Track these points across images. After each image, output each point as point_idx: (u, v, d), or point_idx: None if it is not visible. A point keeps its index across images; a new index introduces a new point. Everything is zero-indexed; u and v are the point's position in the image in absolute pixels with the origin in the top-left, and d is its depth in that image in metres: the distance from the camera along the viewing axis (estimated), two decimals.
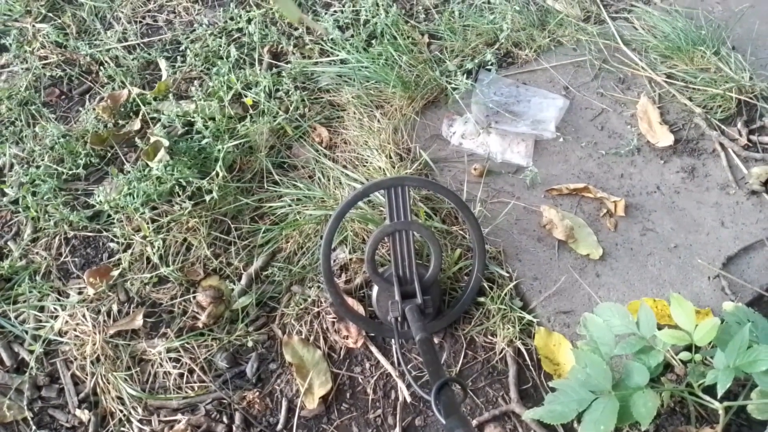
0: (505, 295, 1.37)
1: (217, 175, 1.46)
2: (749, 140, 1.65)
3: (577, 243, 1.47)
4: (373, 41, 1.77)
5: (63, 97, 1.74)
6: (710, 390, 1.09)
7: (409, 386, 1.30)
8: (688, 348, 1.16)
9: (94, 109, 1.65)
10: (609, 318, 1.22)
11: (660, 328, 1.17)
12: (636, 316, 1.20)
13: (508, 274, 1.41)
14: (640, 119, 1.68)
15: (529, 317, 1.35)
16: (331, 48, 1.77)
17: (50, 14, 1.90)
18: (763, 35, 1.85)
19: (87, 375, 1.30)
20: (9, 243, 1.47)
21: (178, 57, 1.80)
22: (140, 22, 1.91)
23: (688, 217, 1.53)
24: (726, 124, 1.68)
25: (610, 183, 1.58)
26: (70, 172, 1.53)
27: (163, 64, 1.73)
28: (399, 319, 1.25)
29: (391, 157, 1.55)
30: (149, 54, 1.80)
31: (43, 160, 1.54)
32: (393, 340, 1.34)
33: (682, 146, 1.65)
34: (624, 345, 1.16)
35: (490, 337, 1.36)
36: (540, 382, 1.32)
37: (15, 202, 1.52)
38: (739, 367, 1.06)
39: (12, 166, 1.56)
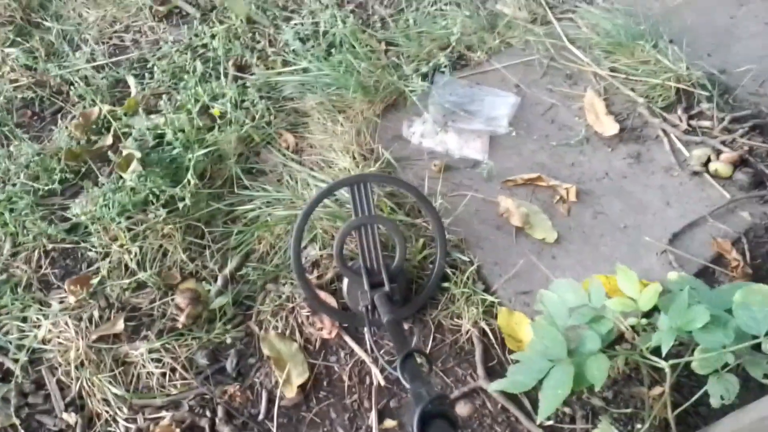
0: (468, 279, 1.45)
1: (189, 182, 1.52)
2: (689, 125, 1.77)
3: (533, 228, 1.57)
4: (333, 50, 1.86)
5: (35, 117, 1.80)
6: (659, 352, 1.18)
7: (382, 370, 1.38)
8: (636, 315, 1.26)
9: (66, 127, 1.70)
10: (563, 293, 1.32)
11: (611, 299, 1.27)
12: (587, 290, 1.30)
13: (470, 260, 1.50)
14: (587, 111, 1.79)
15: (491, 299, 1.44)
16: (293, 59, 1.85)
17: (18, 39, 1.95)
18: (697, 27, 1.98)
19: (72, 380, 1.35)
20: None
21: (146, 74, 1.87)
22: (107, 42, 1.97)
23: (636, 200, 1.63)
24: (667, 111, 1.79)
25: (562, 172, 1.68)
26: (46, 188, 1.58)
27: (131, 81, 1.80)
28: (369, 307, 1.33)
29: (355, 158, 1.63)
30: (117, 72, 1.86)
31: (18, 178, 1.59)
32: (365, 328, 1.41)
33: (628, 134, 1.76)
34: (577, 316, 1.25)
35: (456, 319, 1.44)
36: (505, 358, 1.40)
37: None
38: (680, 327, 1.15)
39: None
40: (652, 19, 1.97)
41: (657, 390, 1.29)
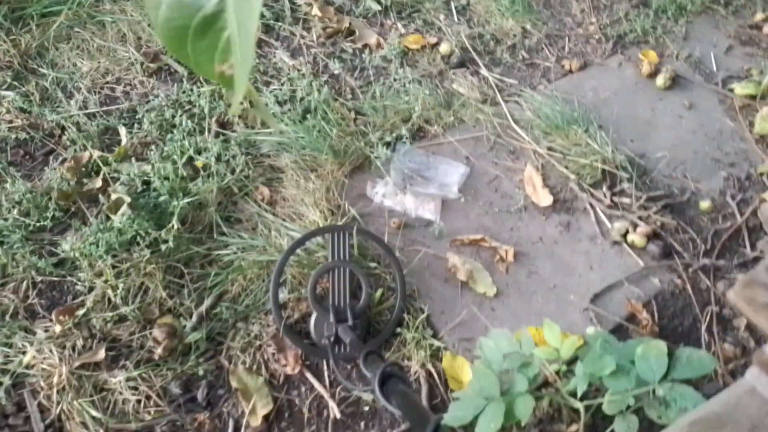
0: (419, 325, 1.66)
1: (173, 227, 1.69)
2: (612, 201, 2.03)
3: (476, 283, 1.79)
4: (308, 115, 2.08)
5: (27, 157, 1.93)
6: (577, 395, 1.40)
7: (339, 404, 1.55)
8: (558, 361, 1.48)
9: (58, 168, 1.85)
10: (499, 341, 1.53)
11: (538, 347, 1.50)
12: (519, 340, 1.52)
13: (421, 308, 1.70)
14: (526, 183, 2.05)
15: (438, 344, 1.64)
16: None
17: (15, 83, 2.10)
18: (623, 117, 2.29)
19: (52, 403, 1.46)
20: None
21: (135, 124, 2.03)
22: (99, 92, 2.13)
23: (564, 263, 1.88)
24: (594, 188, 2.06)
25: (503, 235, 1.93)
26: (37, 224, 1.71)
27: (122, 130, 1.96)
28: (332, 338, 1.52)
29: (324, 212, 1.83)
30: (108, 121, 2.02)
31: (11, 213, 1.71)
32: (327, 359, 1.58)
33: (560, 205, 2.02)
34: (509, 361, 1.47)
35: (407, 361, 1.62)
36: (447, 397, 1.59)
37: None
38: (593, 373, 1.38)
39: None
40: (585, 107, 2.28)
41: (574, 427, 1.51)
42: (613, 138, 2.16)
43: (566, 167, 2.09)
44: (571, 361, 1.49)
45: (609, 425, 1.42)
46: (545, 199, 2.00)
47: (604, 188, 2.06)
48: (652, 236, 1.93)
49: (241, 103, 1.87)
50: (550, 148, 2.14)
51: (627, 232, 1.94)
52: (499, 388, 1.40)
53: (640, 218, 1.97)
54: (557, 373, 1.52)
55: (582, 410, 1.40)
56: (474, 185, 2.04)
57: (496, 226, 1.95)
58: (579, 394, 1.37)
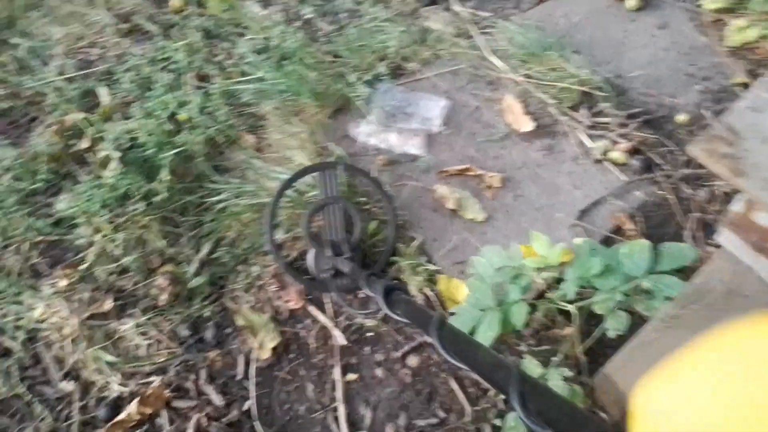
0: (413, 253, 1.71)
1: (163, 179, 1.72)
2: (592, 122, 2.08)
3: (464, 211, 1.84)
4: (285, 61, 2.09)
5: (12, 125, 1.94)
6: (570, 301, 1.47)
7: (342, 331, 1.61)
8: (548, 270, 1.55)
9: (43, 133, 1.86)
10: (490, 257, 1.59)
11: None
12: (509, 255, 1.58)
13: (413, 237, 1.76)
14: (506, 112, 2.09)
15: (433, 268, 1.70)
16: (250, 70, 2.08)
17: None
18: (597, 39, 2.32)
19: (67, 353, 1.52)
20: None
21: (115, 84, 2.04)
22: (75, 57, 2.13)
23: (549, 184, 1.93)
24: (573, 110, 2.09)
25: (488, 163, 1.97)
26: (30, 188, 1.74)
27: (103, 91, 1.97)
28: (332, 272, 1.57)
29: (310, 155, 1.87)
30: (87, 83, 2.03)
31: (3, 179, 1.74)
32: (328, 291, 1.64)
33: (541, 130, 2.06)
34: (501, 273, 1.53)
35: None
36: (446, 317, 1.66)
37: None
38: (581, 276, 1.45)
39: None
40: (559, 33, 2.30)
41: (567, 330, 1.58)
42: (588, 61, 2.20)
43: (545, 93, 2.12)
44: (561, 271, 1.56)
45: (601, 324, 1.50)
46: (526, 125, 2.04)
47: (583, 110, 2.09)
48: (633, 152, 1.98)
49: None
50: (527, 76, 2.17)
51: (608, 150, 1.99)
52: (493, 298, 1.47)
53: (620, 136, 2.02)
54: (548, 282, 1.58)
55: (575, 312, 1.47)
56: (456, 118, 2.07)
57: (481, 155, 1.99)
58: (570, 297, 1.43)
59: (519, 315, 1.43)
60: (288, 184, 1.63)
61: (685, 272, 1.42)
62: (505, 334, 1.49)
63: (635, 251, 1.44)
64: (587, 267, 1.43)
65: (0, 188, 1.71)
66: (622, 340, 1.44)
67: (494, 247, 1.60)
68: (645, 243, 1.44)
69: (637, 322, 1.48)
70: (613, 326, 1.44)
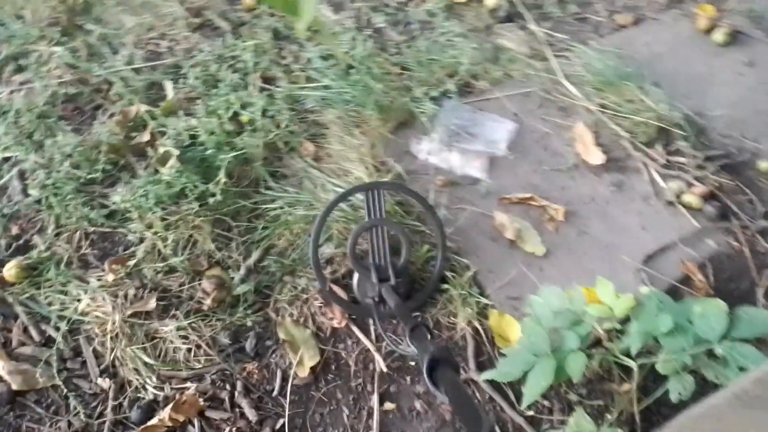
0: (465, 283, 1.63)
1: (220, 180, 1.69)
2: (667, 160, 1.96)
3: (524, 242, 1.75)
4: (351, 70, 2.04)
5: (76, 111, 1.95)
6: (630, 355, 1.36)
7: (385, 357, 1.55)
8: (611, 320, 1.45)
9: (105, 122, 1.86)
10: (549, 299, 1.49)
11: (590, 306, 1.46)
12: (570, 297, 1.49)
13: (467, 266, 1.68)
14: (577, 142, 1.99)
15: (485, 301, 1.62)
16: (316, 75, 2.03)
17: (63, 39, 2.11)
18: (678, 73, 2.19)
19: (106, 349, 1.50)
20: (35, 237, 1.66)
21: (180, 79, 2.03)
22: (144, 48, 2.14)
23: (616, 223, 1.83)
24: (648, 146, 1.98)
25: (553, 194, 1.87)
26: (88, 177, 1.74)
27: (168, 85, 1.97)
28: (376, 298, 1.50)
29: (368, 168, 1.81)
30: (153, 75, 2.03)
31: (62, 165, 1.74)
32: (371, 318, 1.58)
33: (612, 164, 1.95)
34: (560, 318, 1.44)
35: (452, 318, 1.61)
36: (493, 354, 1.57)
37: (38, 202, 1.71)
38: (647, 332, 1.34)
39: (34, 171, 1.75)
40: (639, 63, 2.18)
41: (626, 386, 1.48)
42: (668, 95, 2.07)
43: (619, 125, 2.01)
44: (623, 321, 1.45)
45: (662, 385, 1.39)
46: (597, 157, 1.93)
47: (659, 147, 1.98)
48: (709, 197, 1.86)
49: (308, 30, 1.85)
50: (602, 105, 2.06)
51: (682, 192, 1.87)
52: (549, 344, 1.38)
53: (696, 178, 1.90)
54: (608, 332, 1.48)
55: (635, 369, 1.36)
56: (522, 142, 1.98)
57: (546, 184, 1.89)
58: (633, 353, 1.33)
59: (576, 367, 1.33)
60: (333, 205, 1.57)
61: (766, 342, 1.30)
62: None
63: (710, 312, 1.32)
64: (656, 324, 1.33)
65: (58, 175, 1.71)
66: (682, 403, 1.33)
67: (554, 288, 1.51)
68: (721, 305, 1.33)
69: (705, 388, 1.38)
70: (677, 389, 1.33)
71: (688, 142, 1.98)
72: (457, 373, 0.97)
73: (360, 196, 1.68)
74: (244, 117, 1.86)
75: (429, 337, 1.19)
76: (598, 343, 1.57)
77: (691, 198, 1.85)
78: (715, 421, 1.21)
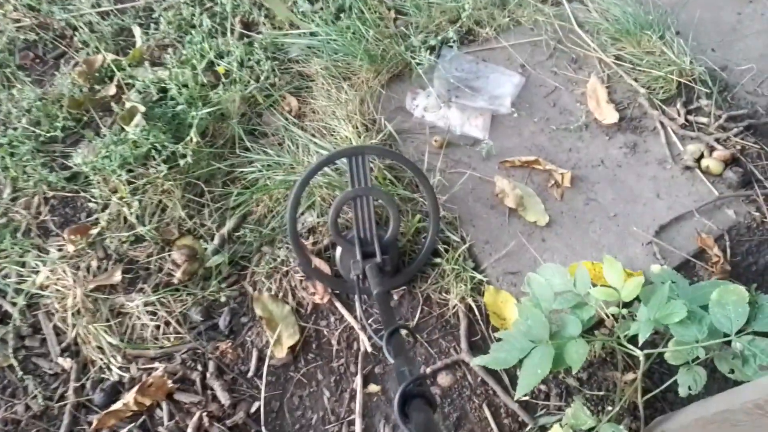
0: (459, 256, 1.50)
1: (191, 140, 1.53)
2: (686, 120, 1.79)
3: (526, 211, 1.60)
4: (341, 15, 1.85)
5: (37, 60, 1.78)
6: (636, 341, 1.24)
7: (369, 337, 1.43)
8: (617, 304, 1.31)
9: (69, 73, 1.69)
10: (550, 277, 1.36)
11: (596, 287, 1.32)
12: (574, 276, 1.35)
13: (462, 238, 1.54)
14: (589, 98, 1.81)
15: (480, 277, 1.49)
16: (301, 20, 1.84)
17: None
18: (704, 22, 1.98)
19: (68, 326, 1.39)
20: None
21: (152, 24, 1.84)
22: None
23: (628, 189, 1.67)
24: (666, 104, 1.81)
25: (559, 156, 1.71)
26: (48, 135, 1.58)
27: (137, 31, 1.78)
28: (360, 276, 1.36)
29: (357, 128, 1.65)
30: (123, 21, 1.84)
31: (20, 122, 1.58)
32: (355, 296, 1.45)
33: (626, 124, 1.78)
34: (561, 300, 1.30)
35: (444, 294, 1.48)
36: (488, 334, 1.45)
37: None
38: (657, 320, 1.21)
39: None
40: (662, 10, 1.97)
41: (630, 375, 1.36)
42: (692, 46, 1.89)
43: (636, 79, 1.84)
44: (629, 302, 1.32)
45: (670, 375, 1.27)
46: (610, 115, 1.77)
47: (679, 105, 1.82)
48: (731, 161, 1.72)
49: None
50: (618, 57, 1.88)
51: (702, 155, 1.72)
52: (548, 329, 1.25)
53: (717, 140, 1.74)
54: (614, 316, 1.35)
55: (642, 359, 1.24)
56: (529, 98, 1.81)
57: (553, 145, 1.73)
58: (641, 342, 1.20)
59: (577, 356, 1.21)
60: (311, 174, 1.40)
61: None
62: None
63: (728, 299, 1.18)
64: (667, 312, 1.19)
65: (15, 133, 1.56)
66: (692, 397, 1.22)
67: (555, 265, 1.37)
68: (742, 292, 1.19)
69: (716, 381, 1.25)
70: (687, 383, 1.21)
71: (710, 100, 1.81)
72: (434, 410, 0.84)
73: (344, 162, 1.52)
74: (221, 68, 1.68)
75: (412, 342, 1.06)
76: (600, 322, 1.45)
77: (711, 163, 1.70)
78: (728, 427, 1.09)
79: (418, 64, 1.78)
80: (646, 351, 1.24)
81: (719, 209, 1.65)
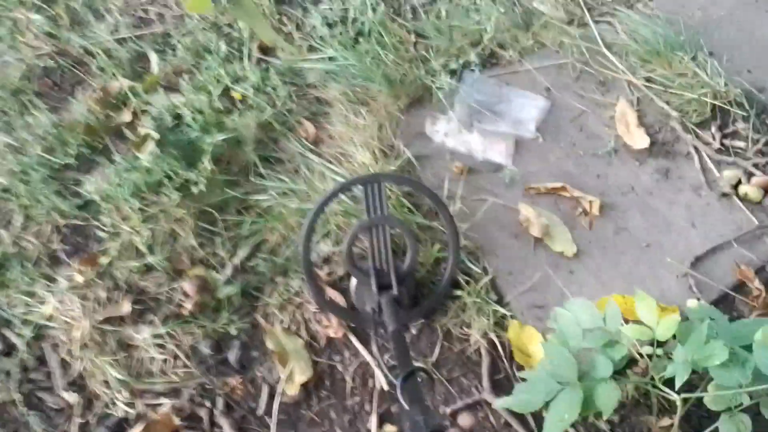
0: (481, 288, 1.42)
1: (205, 168, 1.50)
2: (722, 144, 1.71)
3: (552, 240, 1.53)
4: (360, 39, 1.81)
5: (55, 87, 1.77)
6: (672, 383, 1.14)
7: (386, 375, 1.35)
8: (651, 343, 1.22)
9: (85, 100, 1.68)
10: (578, 313, 1.28)
11: (627, 323, 1.23)
12: (604, 312, 1.26)
13: (484, 269, 1.46)
14: (618, 122, 1.73)
15: (503, 311, 1.41)
16: (320, 45, 1.81)
17: (43, 5, 1.91)
18: (738, 42, 1.90)
19: (74, 359, 1.35)
20: (0, 230, 1.50)
21: (168, 50, 1.83)
22: (132, 14, 1.93)
23: (660, 218, 1.58)
24: (700, 128, 1.73)
25: (587, 183, 1.63)
26: (62, 162, 1.56)
27: (153, 57, 1.77)
28: (376, 309, 1.30)
29: (375, 154, 1.60)
30: (140, 47, 1.83)
31: (34, 149, 1.57)
32: (371, 330, 1.39)
33: (658, 149, 1.70)
34: (590, 338, 1.22)
35: (465, 329, 1.41)
36: (512, 372, 1.37)
37: (6, 190, 1.55)
38: (696, 361, 1.11)
39: (4, 155, 1.59)
40: (693, 30, 1.89)
41: (666, 420, 1.26)
42: (726, 67, 1.81)
43: (667, 102, 1.76)
44: (665, 342, 1.23)
45: (709, 419, 1.17)
46: (640, 140, 1.69)
47: (713, 129, 1.73)
48: None
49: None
50: (648, 79, 1.80)
51: (739, 182, 1.64)
52: (576, 370, 1.16)
53: (756, 166, 1.66)
54: (648, 357, 1.26)
55: (679, 404, 1.14)
56: (555, 122, 1.73)
57: (580, 172, 1.65)
58: (677, 386, 1.11)
59: (608, 400, 1.12)
60: (325, 203, 1.35)
61: None
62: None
63: None
64: (706, 353, 1.10)
65: (29, 161, 1.54)
66: None
67: (584, 300, 1.29)
68: None
69: (762, 427, 1.15)
70: (730, 431, 1.11)
71: (747, 123, 1.73)
72: None
73: (360, 189, 1.47)
74: (236, 93, 1.65)
75: (429, 386, 0.99)
76: (633, 361, 1.36)
77: (749, 189, 1.61)
78: None
79: (438, 88, 1.73)
80: (683, 395, 1.14)
81: (759, 239, 1.56)
